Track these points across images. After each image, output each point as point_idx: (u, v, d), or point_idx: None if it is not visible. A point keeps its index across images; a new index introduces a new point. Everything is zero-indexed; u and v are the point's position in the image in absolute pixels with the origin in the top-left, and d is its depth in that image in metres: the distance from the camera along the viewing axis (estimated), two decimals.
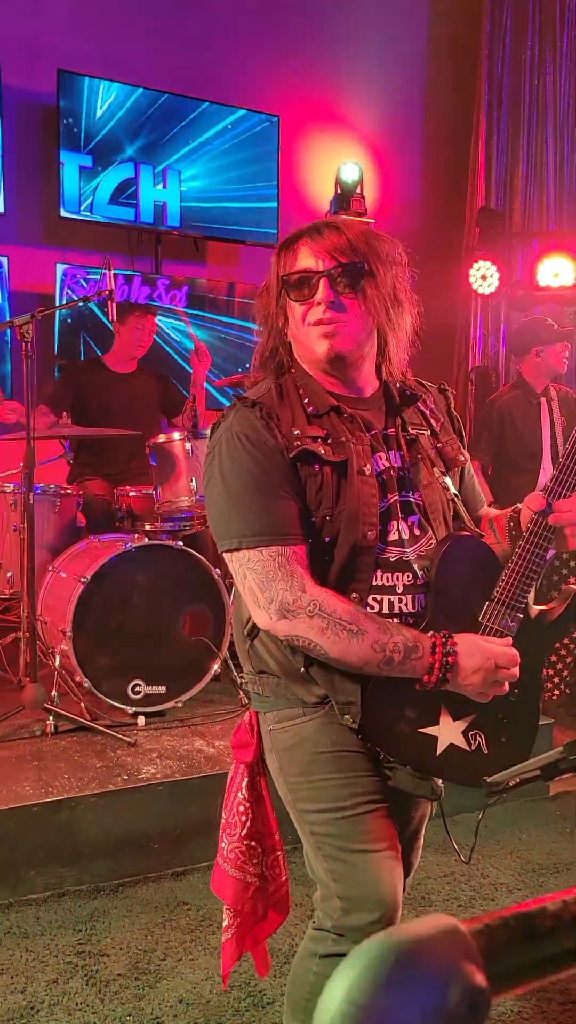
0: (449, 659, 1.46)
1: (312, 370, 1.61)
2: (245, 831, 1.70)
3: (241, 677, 3.68)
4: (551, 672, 3.94)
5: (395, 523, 1.57)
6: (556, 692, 4.00)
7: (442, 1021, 0.37)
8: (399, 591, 1.56)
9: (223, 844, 1.73)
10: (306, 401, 1.57)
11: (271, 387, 1.60)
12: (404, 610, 1.56)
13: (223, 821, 1.75)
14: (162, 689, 3.56)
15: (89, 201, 5.14)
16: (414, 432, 1.65)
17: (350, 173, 5.65)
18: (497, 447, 4.36)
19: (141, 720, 3.48)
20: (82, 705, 3.45)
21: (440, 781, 1.60)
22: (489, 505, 1.88)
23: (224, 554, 1.56)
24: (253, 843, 1.71)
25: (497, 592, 1.57)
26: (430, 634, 1.49)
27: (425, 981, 0.37)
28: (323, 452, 1.52)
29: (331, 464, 1.52)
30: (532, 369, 4.37)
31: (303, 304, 1.54)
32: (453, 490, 1.68)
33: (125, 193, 5.25)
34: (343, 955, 1.56)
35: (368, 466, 1.55)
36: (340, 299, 1.52)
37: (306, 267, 1.53)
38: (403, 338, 1.63)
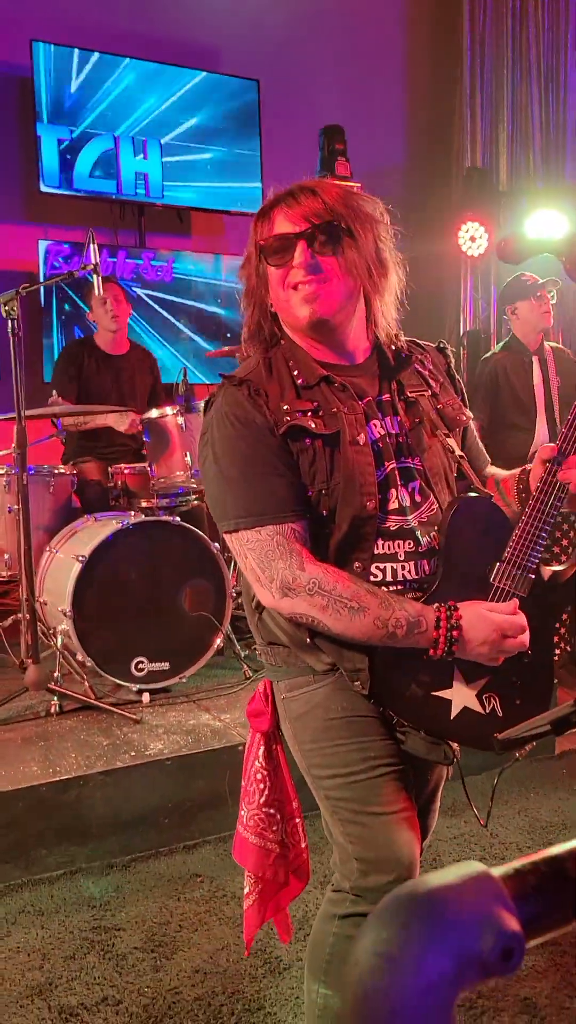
0: (454, 633, 1.45)
1: (299, 338, 1.58)
2: (264, 798, 1.71)
3: (251, 650, 3.67)
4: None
5: (394, 491, 1.55)
6: (557, 651, 4.00)
7: (475, 968, 0.35)
8: (401, 558, 1.54)
9: (242, 812, 1.74)
10: (295, 373, 1.55)
11: (259, 362, 1.57)
12: (407, 577, 1.54)
13: (242, 790, 1.75)
14: (165, 665, 3.55)
15: (69, 175, 5.06)
16: (412, 395, 1.61)
17: (337, 139, 5.54)
18: (492, 406, 4.33)
19: (146, 697, 3.48)
20: (86, 684, 3.45)
21: (455, 745, 1.59)
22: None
23: (224, 535, 1.56)
24: (272, 810, 1.71)
25: (508, 553, 1.55)
26: (435, 606, 1.47)
27: (456, 928, 0.36)
28: (313, 426, 1.50)
29: (322, 437, 1.50)
30: (517, 327, 4.35)
31: (281, 269, 1.51)
32: (458, 452, 1.65)
33: (105, 165, 5.17)
34: (362, 916, 1.57)
35: (362, 436, 1.52)
36: (318, 260, 1.49)
37: (282, 232, 1.50)
38: (389, 299, 1.59)
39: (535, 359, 4.26)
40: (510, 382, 4.29)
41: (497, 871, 0.38)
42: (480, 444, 1.81)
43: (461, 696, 1.55)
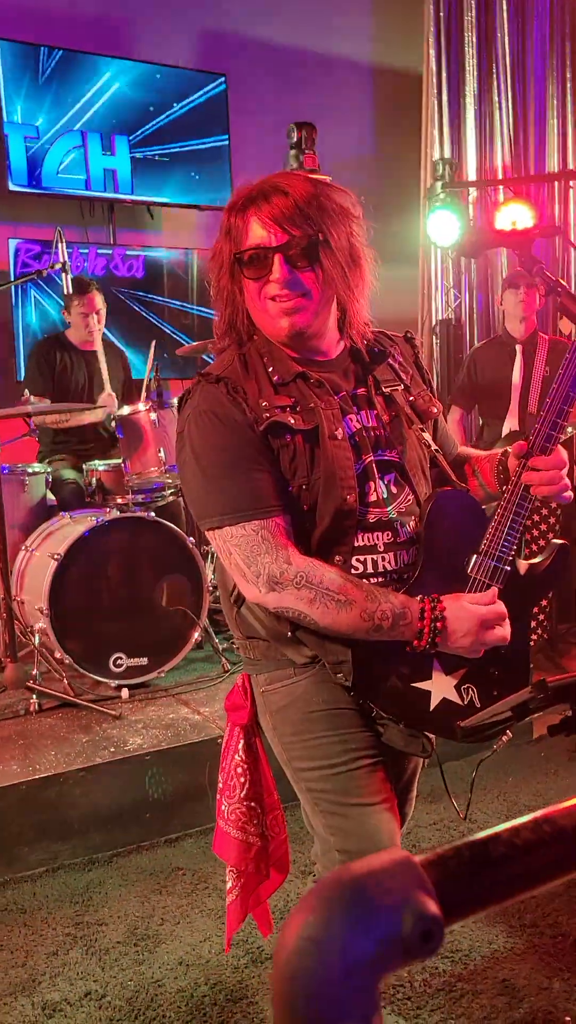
0: (438, 624, 1.47)
1: (273, 339, 1.59)
2: (244, 792, 1.72)
3: (229, 643, 3.68)
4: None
5: (372, 484, 1.56)
6: (534, 637, 4.05)
7: (397, 950, 0.37)
8: (380, 550, 1.56)
9: (223, 806, 1.75)
10: (271, 370, 1.55)
11: (234, 359, 1.57)
12: (387, 568, 1.56)
13: (220, 784, 1.76)
14: (144, 660, 3.56)
15: (37, 173, 5.03)
16: (388, 390, 1.63)
17: (305, 132, 5.53)
18: (471, 393, 4.40)
19: (125, 692, 3.49)
20: (65, 682, 3.45)
21: (433, 738, 1.61)
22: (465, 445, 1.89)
23: (207, 532, 1.56)
24: (253, 803, 1.73)
25: (484, 544, 1.58)
26: (419, 598, 1.49)
27: (378, 912, 0.38)
28: (292, 421, 1.50)
29: (302, 432, 1.51)
30: (505, 316, 4.42)
31: (257, 281, 1.51)
32: (434, 445, 1.68)
33: (74, 163, 5.14)
34: None
35: (339, 430, 1.53)
36: (296, 275, 1.50)
37: (258, 242, 1.49)
38: (362, 297, 1.60)
39: (519, 348, 4.30)
40: (487, 372, 4.35)
41: (420, 857, 0.40)
42: (448, 431, 1.83)
43: (440, 687, 1.57)
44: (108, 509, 3.78)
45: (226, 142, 5.53)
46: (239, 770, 1.73)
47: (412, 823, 2.91)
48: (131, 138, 5.28)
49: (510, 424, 4.23)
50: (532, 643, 4.05)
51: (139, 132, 5.31)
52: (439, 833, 2.88)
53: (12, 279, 4.78)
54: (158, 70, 5.35)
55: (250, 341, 1.60)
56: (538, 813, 0.44)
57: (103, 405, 4.21)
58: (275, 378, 1.55)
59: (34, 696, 3.36)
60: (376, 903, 0.38)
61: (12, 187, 4.98)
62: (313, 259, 1.50)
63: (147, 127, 5.34)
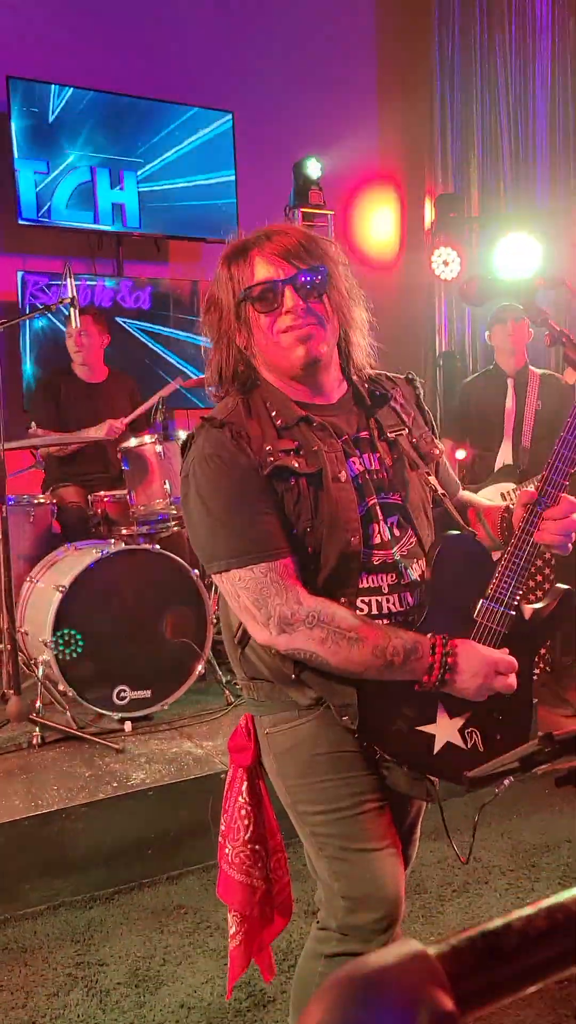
0: (448, 660, 1.47)
1: (278, 381, 1.60)
2: (248, 835, 1.71)
3: (232, 675, 3.66)
4: None
5: (376, 526, 1.57)
6: (537, 672, 4.03)
7: None
8: (385, 591, 1.56)
9: (227, 850, 1.73)
10: (274, 414, 1.56)
11: (238, 404, 1.58)
12: (392, 609, 1.56)
13: (223, 826, 1.75)
14: (147, 693, 3.56)
15: (47, 207, 5.10)
16: (392, 434, 1.64)
17: (311, 168, 5.62)
18: (463, 426, 4.41)
19: (128, 726, 3.48)
20: (68, 714, 3.44)
21: (436, 783, 1.60)
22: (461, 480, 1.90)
23: (213, 576, 1.56)
24: (257, 846, 1.71)
25: (490, 590, 1.58)
26: (429, 635, 1.49)
27: (393, 1010, 0.38)
28: (296, 465, 1.51)
29: (306, 476, 1.52)
30: (495, 351, 4.45)
31: (270, 315, 1.53)
32: (438, 488, 1.68)
33: (82, 197, 5.21)
34: (349, 954, 1.55)
35: (343, 473, 1.54)
36: (309, 305, 1.53)
37: (266, 277, 1.52)
38: (362, 336, 1.63)
39: (510, 382, 4.32)
40: (479, 405, 4.37)
41: (433, 949, 0.40)
42: (452, 472, 1.84)
43: (444, 731, 1.56)
44: (113, 540, 3.78)
45: (232, 176, 5.60)
46: (243, 812, 1.72)
47: (415, 862, 2.89)
48: (139, 173, 5.35)
49: (503, 456, 4.25)
50: (536, 677, 4.05)
51: (147, 167, 5.39)
52: (442, 872, 2.86)
53: (20, 311, 4.82)
54: (167, 107, 5.43)
55: (255, 388, 1.61)
56: (550, 901, 0.44)
57: (103, 430, 4.23)
58: (278, 422, 1.56)
59: (37, 729, 3.35)
60: (391, 1000, 0.38)
61: (22, 221, 5.04)
62: (321, 290, 1.54)
63: (155, 162, 5.41)
